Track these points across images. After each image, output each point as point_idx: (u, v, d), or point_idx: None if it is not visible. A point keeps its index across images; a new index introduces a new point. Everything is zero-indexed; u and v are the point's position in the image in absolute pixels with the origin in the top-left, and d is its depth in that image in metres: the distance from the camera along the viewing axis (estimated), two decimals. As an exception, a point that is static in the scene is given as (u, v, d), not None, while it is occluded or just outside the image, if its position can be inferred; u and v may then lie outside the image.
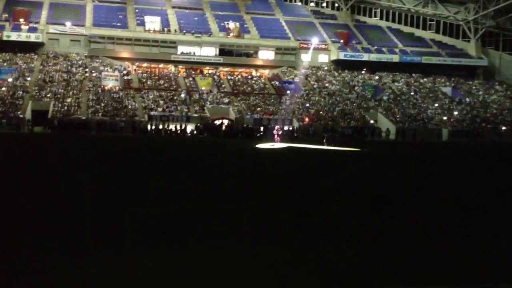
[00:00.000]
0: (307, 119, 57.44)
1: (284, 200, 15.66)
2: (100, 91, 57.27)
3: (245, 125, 54.27)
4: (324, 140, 41.74)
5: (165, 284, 7.91)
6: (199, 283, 8.02)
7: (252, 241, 10.55)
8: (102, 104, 54.39)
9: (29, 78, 57.76)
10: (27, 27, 64.21)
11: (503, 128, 60.79)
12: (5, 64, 59.90)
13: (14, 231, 10.83)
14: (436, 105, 65.35)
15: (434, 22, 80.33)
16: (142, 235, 10.75)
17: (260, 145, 39.51)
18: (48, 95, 54.53)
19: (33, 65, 61.07)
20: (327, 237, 11.18)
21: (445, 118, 61.90)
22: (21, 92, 54.61)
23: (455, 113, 63.72)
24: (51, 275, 8.08)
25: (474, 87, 72.70)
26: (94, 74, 60.83)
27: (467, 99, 68.31)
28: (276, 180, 20.36)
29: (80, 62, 63.24)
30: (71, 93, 55.95)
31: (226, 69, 68.85)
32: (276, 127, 48.18)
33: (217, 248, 9.87)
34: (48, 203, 13.98)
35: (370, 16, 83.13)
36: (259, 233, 11.28)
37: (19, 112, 50.95)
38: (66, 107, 52.91)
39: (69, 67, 61.58)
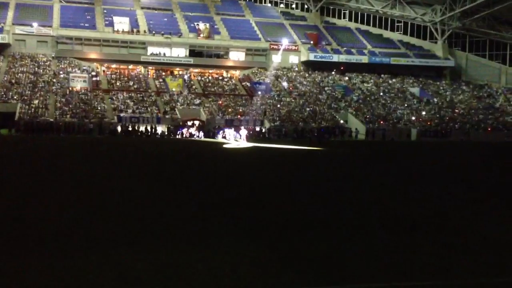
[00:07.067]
0: None
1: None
2: (68, 92, 56.42)
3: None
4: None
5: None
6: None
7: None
8: (70, 106, 53.57)
9: (-6, 80, 56.67)
10: (-8, 28, 63.03)
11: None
12: (-31, 65, 58.72)
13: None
14: (405, 105, 66.27)
15: (402, 24, 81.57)
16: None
17: (227, 145, 40.24)
18: (15, 97, 53.49)
19: (-2, 67, 59.93)
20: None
21: (413, 118, 62.80)
22: (-14, 94, 53.54)
23: (423, 113, 64.68)
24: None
25: (441, 88, 73.97)
26: (61, 76, 59.89)
27: (435, 99, 69.42)
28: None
29: (47, 63, 62.21)
30: (38, 94, 55.00)
31: (197, 70, 68.57)
32: (243, 127, 48.84)
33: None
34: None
35: (339, 17, 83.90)
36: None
37: (-16, 115, 49.93)
38: (33, 109, 51.96)
39: (36, 69, 60.51)
